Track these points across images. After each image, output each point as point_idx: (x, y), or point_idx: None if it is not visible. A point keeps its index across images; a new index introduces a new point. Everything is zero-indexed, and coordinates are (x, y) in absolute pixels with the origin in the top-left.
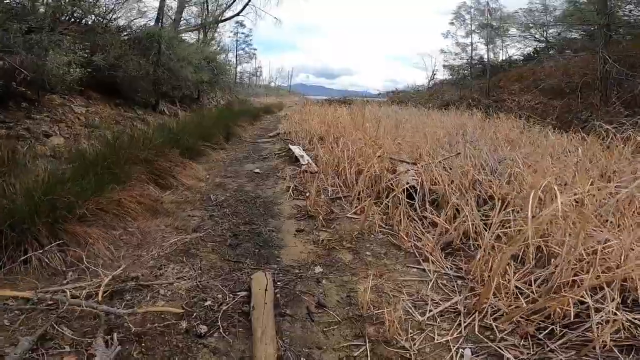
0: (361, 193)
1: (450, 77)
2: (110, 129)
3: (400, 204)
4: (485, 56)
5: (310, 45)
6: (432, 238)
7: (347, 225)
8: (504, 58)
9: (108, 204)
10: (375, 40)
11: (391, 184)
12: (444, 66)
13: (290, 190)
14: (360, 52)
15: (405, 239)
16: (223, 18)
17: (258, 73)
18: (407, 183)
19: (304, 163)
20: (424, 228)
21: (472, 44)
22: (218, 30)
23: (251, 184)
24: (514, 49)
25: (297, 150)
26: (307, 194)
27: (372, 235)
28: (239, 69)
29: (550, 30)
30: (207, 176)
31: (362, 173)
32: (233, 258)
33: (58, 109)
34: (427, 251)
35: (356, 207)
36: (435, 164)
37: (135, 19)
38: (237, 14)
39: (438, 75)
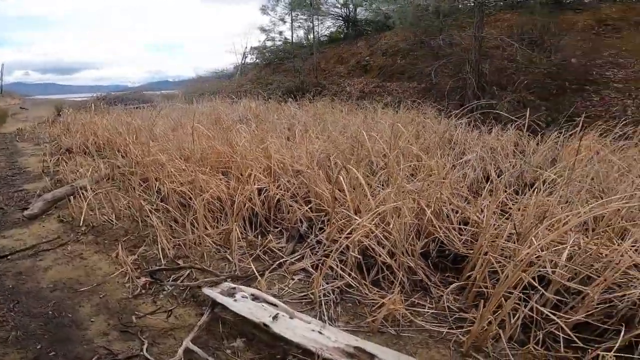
0: None
1: (257, 60)
2: None
3: None
4: (296, 35)
5: (30, 39)
6: None
7: None
8: (314, 36)
9: None
10: (129, 31)
11: None
12: (253, 48)
13: None
14: (110, 44)
15: None
16: None
17: None
18: None
19: None
20: None
21: (292, 20)
22: None
23: None
24: (323, 28)
25: None
26: None
27: None
28: None
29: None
30: None
31: None
32: None
33: None
34: None
35: None
36: None
37: None
38: None
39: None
